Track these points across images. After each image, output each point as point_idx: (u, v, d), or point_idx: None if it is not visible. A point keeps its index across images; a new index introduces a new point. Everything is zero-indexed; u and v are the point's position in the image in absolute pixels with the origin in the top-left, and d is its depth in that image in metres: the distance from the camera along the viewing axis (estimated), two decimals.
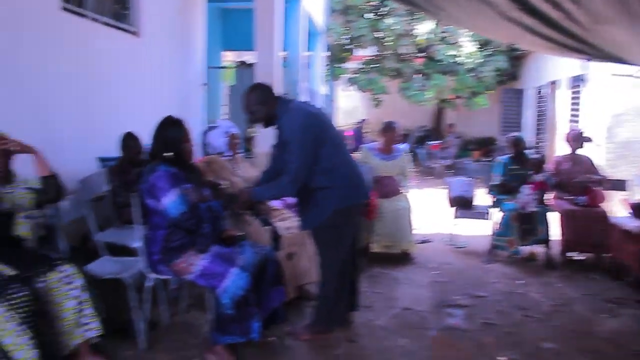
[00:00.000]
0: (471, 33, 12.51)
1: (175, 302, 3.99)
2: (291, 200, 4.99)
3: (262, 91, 3.41)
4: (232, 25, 10.34)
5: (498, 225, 5.51)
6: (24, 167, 3.24)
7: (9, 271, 2.77)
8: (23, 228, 3.06)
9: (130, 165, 4.38)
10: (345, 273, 3.55)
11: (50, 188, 3.17)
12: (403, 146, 5.70)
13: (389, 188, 5.34)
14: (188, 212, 3.08)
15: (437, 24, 12.31)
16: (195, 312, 3.95)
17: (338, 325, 3.65)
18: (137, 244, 3.72)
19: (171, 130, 3.23)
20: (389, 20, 12.77)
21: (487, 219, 5.89)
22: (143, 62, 6.13)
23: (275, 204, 4.66)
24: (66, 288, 2.96)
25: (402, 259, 5.44)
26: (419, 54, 13.46)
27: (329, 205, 3.35)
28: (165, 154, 3.17)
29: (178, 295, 4.02)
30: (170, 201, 3.07)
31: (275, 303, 3.39)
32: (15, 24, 4.05)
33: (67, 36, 4.72)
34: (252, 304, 3.07)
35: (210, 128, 4.23)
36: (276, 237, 3.87)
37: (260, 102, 3.37)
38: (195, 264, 3.12)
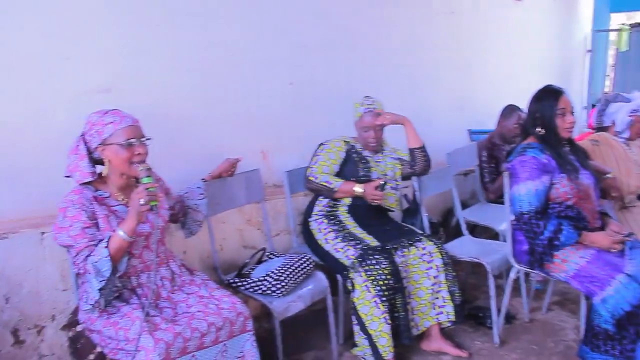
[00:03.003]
0: None
1: (537, 296, 3.58)
2: None
3: None
4: None
5: None
6: (392, 137, 3.23)
7: (371, 241, 2.77)
8: (390, 199, 3.03)
9: (503, 140, 4.03)
10: None
11: (419, 160, 3.09)
12: None
13: None
14: (532, 215, 2.60)
15: None
16: (560, 312, 3.47)
17: None
18: (502, 227, 3.42)
19: (544, 102, 2.69)
20: None
21: None
22: (523, 28, 5.71)
23: None
24: (425, 266, 2.86)
25: None
26: None
27: None
28: (536, 130, 2.71)
29: (542, 289, 3.59)
30: (519, 193, 2.63)
31: None
32: None
33: (441, 2, 4.62)
34: (639, 323, 2.44)
35: (615, 98, 3.49)
36: None
37: None
38: (571, 261, 2.61)
